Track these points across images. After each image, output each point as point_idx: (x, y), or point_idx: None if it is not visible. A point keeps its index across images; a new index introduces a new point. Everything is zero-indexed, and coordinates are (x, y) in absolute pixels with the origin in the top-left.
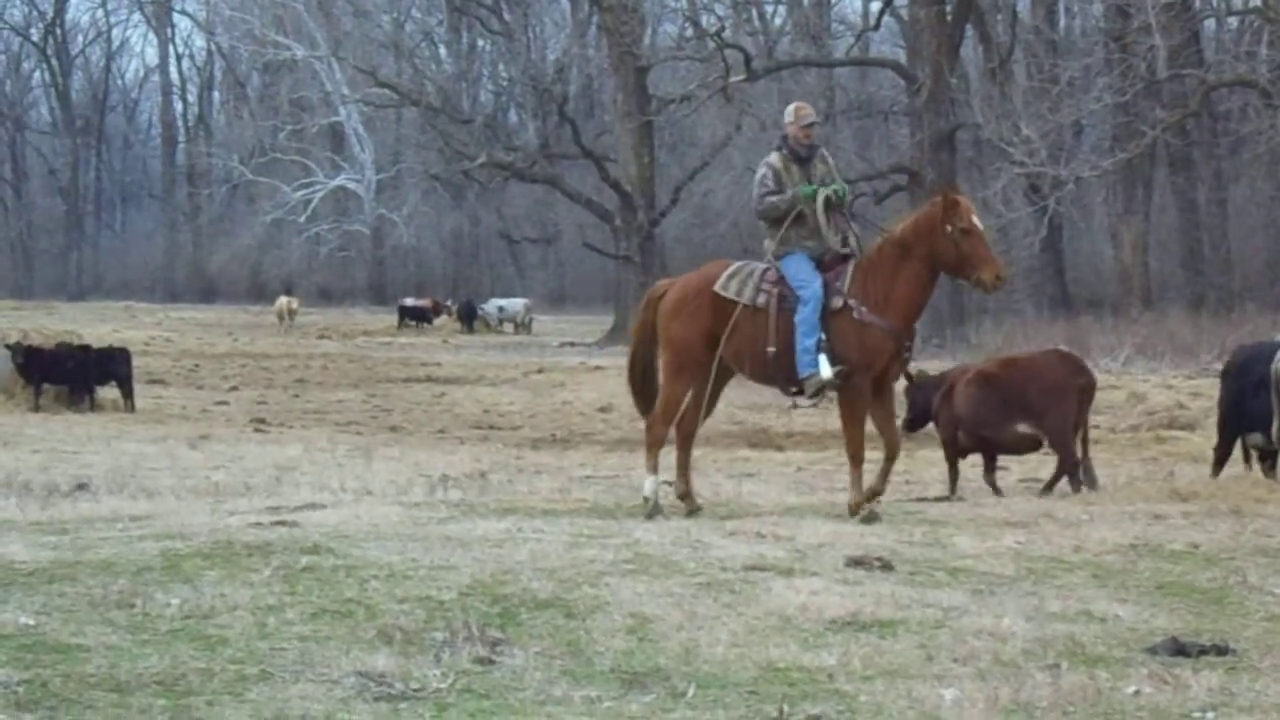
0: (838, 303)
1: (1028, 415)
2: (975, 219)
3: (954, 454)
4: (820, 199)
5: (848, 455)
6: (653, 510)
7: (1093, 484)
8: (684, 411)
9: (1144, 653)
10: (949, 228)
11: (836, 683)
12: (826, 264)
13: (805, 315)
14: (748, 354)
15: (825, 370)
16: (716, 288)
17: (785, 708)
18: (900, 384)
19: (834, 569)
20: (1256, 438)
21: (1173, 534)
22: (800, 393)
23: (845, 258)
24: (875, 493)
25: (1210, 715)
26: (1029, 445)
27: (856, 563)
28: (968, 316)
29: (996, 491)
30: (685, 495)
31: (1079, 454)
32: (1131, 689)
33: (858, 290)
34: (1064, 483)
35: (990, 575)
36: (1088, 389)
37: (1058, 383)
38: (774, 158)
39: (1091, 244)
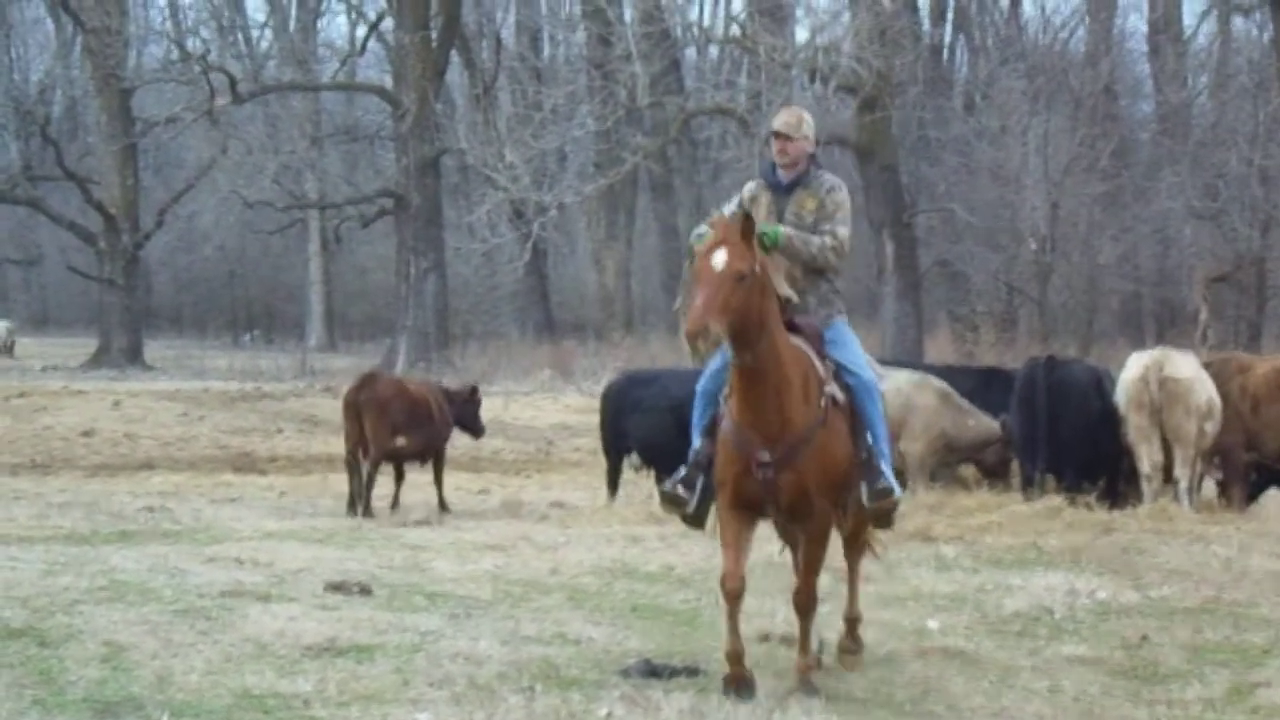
0: (725, 391)
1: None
2: (709, 261)
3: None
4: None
5: None
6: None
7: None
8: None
9: (617, 675)
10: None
11: (312, 709)
12: None
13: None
14: None
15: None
16: None
17: None
18: None
19: (312, 594)
20: (634, 459)
21: (648, 556)
22: None
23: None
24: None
25: None
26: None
27: (335, 588)
28: (453, 339)
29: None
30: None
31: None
32: (604, 711)
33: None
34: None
35: (468, 599)
36: (368, 405)
37: (346, 400)
38: (750, 185)
39: (575, 269)
